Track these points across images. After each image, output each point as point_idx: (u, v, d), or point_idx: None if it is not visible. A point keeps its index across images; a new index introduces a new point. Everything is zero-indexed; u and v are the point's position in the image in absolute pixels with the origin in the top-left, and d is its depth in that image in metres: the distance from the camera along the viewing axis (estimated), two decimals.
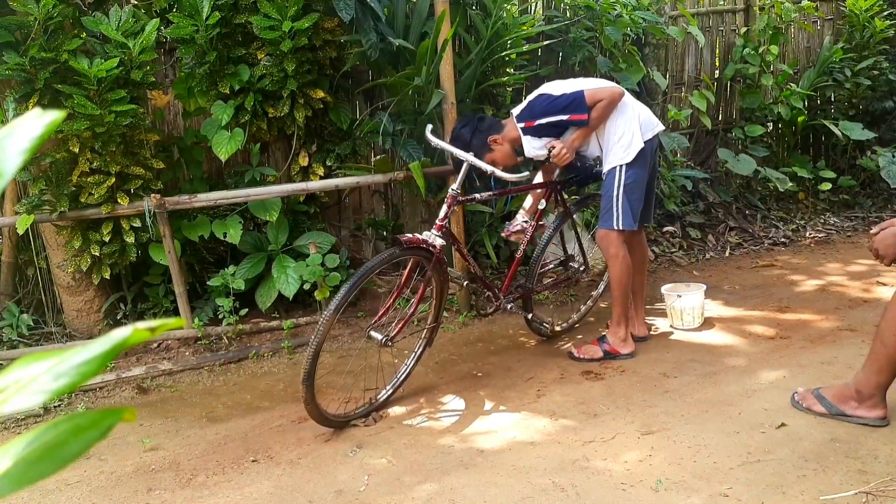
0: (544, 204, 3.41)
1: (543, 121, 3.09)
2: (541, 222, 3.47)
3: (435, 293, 3.03)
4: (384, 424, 2.84)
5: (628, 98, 3.19)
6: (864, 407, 2.49)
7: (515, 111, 3.23)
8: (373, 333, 2.87)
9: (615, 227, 3.12)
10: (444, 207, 2.99)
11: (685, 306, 3.59)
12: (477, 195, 3.33)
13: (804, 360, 3.15)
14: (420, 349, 3.12)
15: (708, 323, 3.69)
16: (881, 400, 2.47)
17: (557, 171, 3.39)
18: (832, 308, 3.80)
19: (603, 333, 3.36)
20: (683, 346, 3.41)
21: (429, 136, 3.26)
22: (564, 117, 3.05)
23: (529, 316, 3.46)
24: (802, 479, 2.22)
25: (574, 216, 3.62)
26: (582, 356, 3.27)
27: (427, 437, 2.71)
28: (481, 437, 2.67)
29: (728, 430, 2.56)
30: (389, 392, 3.00)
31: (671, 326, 3.67)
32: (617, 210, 3.11)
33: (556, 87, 3.16)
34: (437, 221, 2.96)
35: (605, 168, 3.19)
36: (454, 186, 3.03)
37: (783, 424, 2.55)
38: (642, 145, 3.10)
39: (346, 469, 2.51)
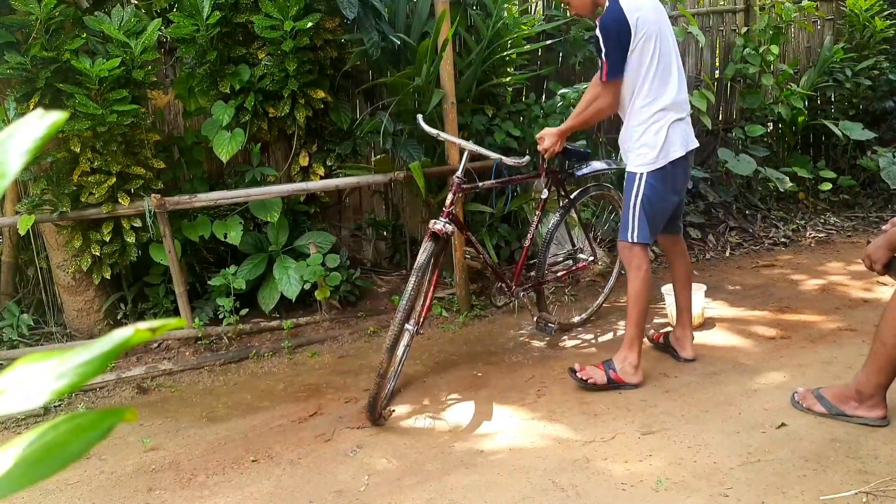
0: (546, 194, 3.43)
1: (598, 32, 2.84)
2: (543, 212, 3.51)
3: (432, 281, 3.07)
4: (384, 424, 2.84)
5: (669, 105, 2.90)
6: (864, 407, 2.49)
7: None
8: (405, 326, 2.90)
9: (629, 240, 2.95)
10: (450, 195, 3.05)
11: None
12: (480, 183, 3.34)
13: (804, 360, 3.15)
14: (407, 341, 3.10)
15: (708, 323, 3.69)
16: (881, 400, 2.47)
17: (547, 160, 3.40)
18: (833, 308, 3.80)
19: (610, 357, 3.08)
20: None
21: (422, 124, 3.30)
22: (603, 50, 2.83)
23: (536, 318, 3.47)
24: (802, 479, 2.22)
25: (575, 208, 3.65)
26: (584, 378, 2.99)
27: (427, 437, 2.71)
28: (481, 437, 2.67)
29: (728, 430, 2.56)
30: (390, 390, 3.00)
31: (671, 326, 3.67)
32: (633, 221, 2.94)
33: (652, 14, 2.84)
34: (444, 208, 3.01)
35: (627, 168, 3.03)
36: (458, 174, 3.08)
37: (783, 424, 2.55)
38: (666, 163, 2.90)
39: (346, 469, 2.52)
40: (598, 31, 2.85)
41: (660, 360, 3.25)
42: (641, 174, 2.94)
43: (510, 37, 4.14)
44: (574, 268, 3.81)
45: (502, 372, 3.26)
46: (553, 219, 3.58)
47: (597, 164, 3.61)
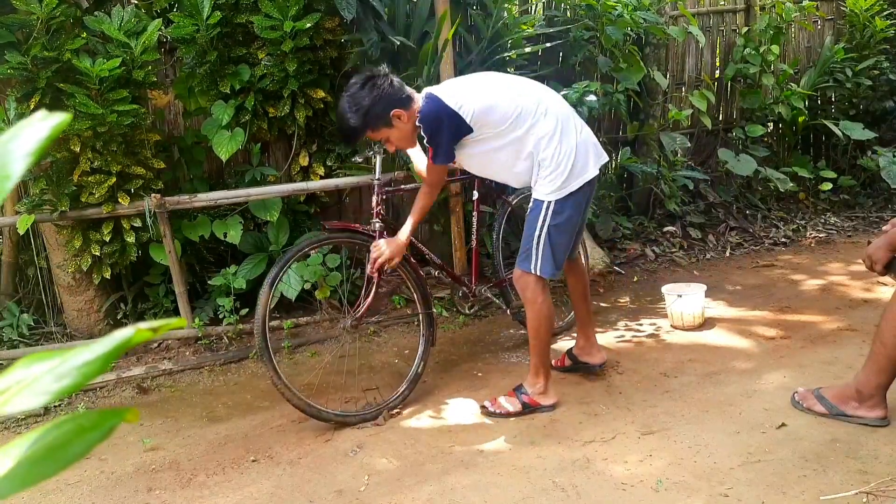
0: (476, 195, 3.47)
1: (420, 124, 2.71)
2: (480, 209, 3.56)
3: (412, 284, 3.12)
4: (384, 425, 2.85)
5: (572, 125, 2.72)
6: (865, 407, 2.49)
7: (431, 90, 2.74)
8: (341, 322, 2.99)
9: (532, 272, 2.71)
10: (374, 196, 3.06)
11: (686, 306, 3.59)
12: (403, 186, 3.40)
13: (805, 360, 3.15)
14: (422, 348, 3.13)
15: (708, 323, 3.68)
16: (881, 400, 2.47)
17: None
18: (833, 308, 3.80)
19: (520, 383, 2.89)
20: (684, 347, 3.41)
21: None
22: (425, 138, 2.71)
23: (510, 311, 3.55)
24: (803, 480, 2.22)
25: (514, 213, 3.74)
26: (497, 411, 2.81)
27: (427, 437, 2.72)
28: (481, 437, 2.67)
29: (728, 430, 2.56)
30: (405, 394, 3.01)
31: (671, 326, 3.67)
32: (537, 253, 2.69)
33: (464, 95, 2.65)
34: (373, 209, 3.05)
35: (534, 195, 2.74)
36: (377, 175, 3.09)
37: (783, 425, 2.55)
38: (578, 186, 2.67)
39: (346, 469, 2.52)
40: (419, 123, 2.68)
41: (659, 361, 3.25)
42: (549, 202, 2.67)
43: (510, 37, 4.14)
44: None
45: (502, 372, 3.26)
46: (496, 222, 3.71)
47: None
